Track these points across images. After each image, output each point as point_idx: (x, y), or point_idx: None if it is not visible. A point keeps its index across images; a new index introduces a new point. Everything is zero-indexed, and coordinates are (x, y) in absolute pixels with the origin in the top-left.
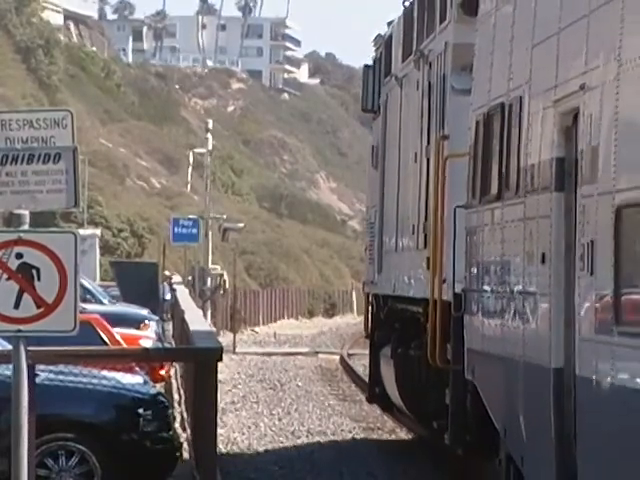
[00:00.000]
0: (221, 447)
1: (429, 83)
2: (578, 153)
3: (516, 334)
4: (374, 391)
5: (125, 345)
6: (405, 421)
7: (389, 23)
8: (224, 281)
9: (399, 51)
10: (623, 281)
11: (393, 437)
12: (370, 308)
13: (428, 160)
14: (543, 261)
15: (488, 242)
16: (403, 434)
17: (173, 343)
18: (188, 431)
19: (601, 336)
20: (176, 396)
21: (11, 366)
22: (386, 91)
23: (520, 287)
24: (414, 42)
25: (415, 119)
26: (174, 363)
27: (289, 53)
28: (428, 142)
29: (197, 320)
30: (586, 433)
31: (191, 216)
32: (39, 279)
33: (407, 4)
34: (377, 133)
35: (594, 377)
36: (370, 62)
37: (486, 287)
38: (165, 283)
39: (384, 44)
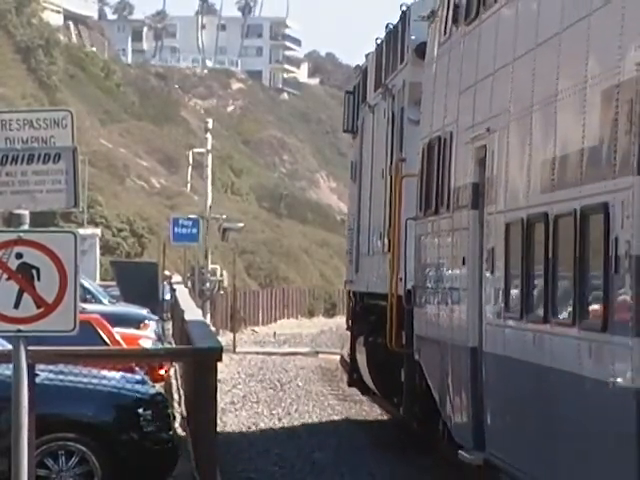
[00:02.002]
0: (221, 447)
1: (392, 113)
2: (485, 180)
3: (447, 321)
4: (353, 376)
5: (125, 345)
6: (377, 400)
7: (367, 55)
8: (220, 281)
9: (372, 82)
10: (510, 278)
11: (393, 437)
12: (350, 304)
13: (391, 177)
14: (463, 263)
15: (429, 248)
16: (403, 434)
17: (173, 343)
18: (188, 431)
19: (497, 321)
20: (176, 396)
21: (11, 366)
22: (362, 115)
23: (449, 284)
24: (382, 76)
25: (382, 142)
26: (174, 363)
27: (289, 53)
28: (391, 162)
29: (196, 319)
30: (491, 391)
31: (191, 216)
32: (39, 279)
33: (379, 41)
34: (355, 151)
35: (494, 352)
36: (359, 80)
37: (428, 284)
38: (165, 283)
39: (362, 74)
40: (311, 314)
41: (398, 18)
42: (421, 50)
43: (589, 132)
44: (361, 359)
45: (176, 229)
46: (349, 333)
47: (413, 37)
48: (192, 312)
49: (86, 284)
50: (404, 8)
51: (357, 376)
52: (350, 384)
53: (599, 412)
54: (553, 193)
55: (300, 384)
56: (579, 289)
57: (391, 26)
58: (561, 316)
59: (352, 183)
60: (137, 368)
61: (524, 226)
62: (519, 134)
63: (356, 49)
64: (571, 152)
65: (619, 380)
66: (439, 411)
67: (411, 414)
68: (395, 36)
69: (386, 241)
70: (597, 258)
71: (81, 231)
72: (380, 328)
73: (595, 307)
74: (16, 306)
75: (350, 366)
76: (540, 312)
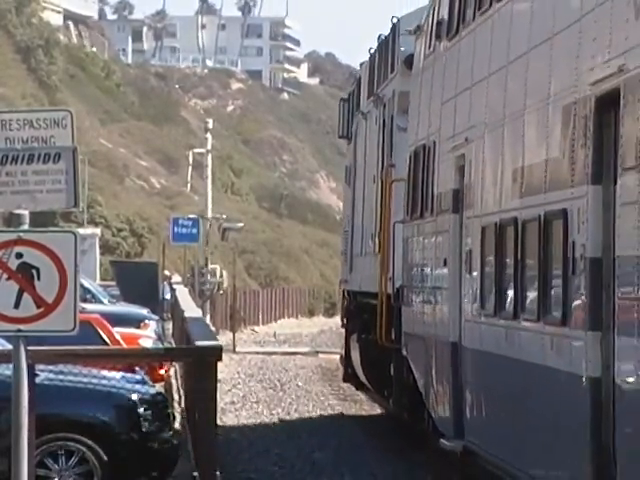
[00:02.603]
0: (221, 447)
1: (383, 120)
2: (464, 186)
3: (430, 318)
4: (348, 372)
5: (125, 345)
6: (370, 395)
7: (361, 64)
8: (220, 283)
9: (365, 90)
10: (485, 278)
11: (394, 437)
12: (344, 303)
13: (382, 182)
14: (445, 264)
15: (415, 249)
16: (403, 434)
17: (173, 343)
18: (188, 431)
19: (474, 317)
20: (176, 396)
21: (11, 366)
22: (356, 122)
23: (432, 283)
24: (374, 85)
25: (374, 148)
26: (174, 363)
27: (289, 53)
28: (382, 168)
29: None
30: (469, 383)
31: (191, 216)
32: (39, 279)
33: (372, 51)
34: (350, 156)
35: (472, 347)
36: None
37: (414, 283)
38: (165, 283)
39: (356, 82)
40: (311, 314)
41: (389, 30)
42: (409, 61)
43: (551, 145)
44: (354, 355)
45: (176, 229)
46: (344, 331)
47: (402, 49)
48: (192, 312)
49: (86, 284)
50: (394, 20)
51: (351, 372)
52: (345, 379)
53: (560, 399)
54: (522, 200)
55: (300, 384)
56: (543, 288)
57: (383, 37)
58: (528, 312)
59: (347, 187)
60: (137, 368)
61: (497, 230)
62: (493, 145)
63: (356, 49)
64: (536, 162)
65: (576, 369)
66: (425, 403)
67: (400, 406)
68: (386, 47)
69: (377, 242)
70: (558, 260)
71: (81, 231)
72: (372, 325)
73: (556, 304)
74: (16, 306)
75: (344, 362)
76: (510, 309)
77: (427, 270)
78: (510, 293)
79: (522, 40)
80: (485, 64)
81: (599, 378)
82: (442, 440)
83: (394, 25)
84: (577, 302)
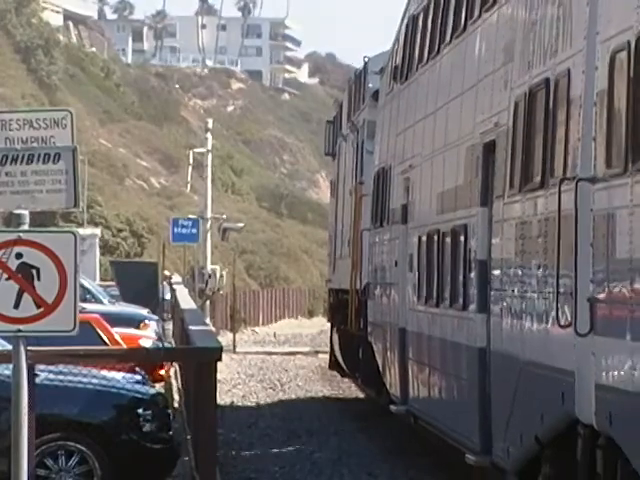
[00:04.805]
0: (221, 447)
1: (357, 144)
2: (409, 203)
3: (387, 309)
4: (332, 360)
5: (125, 345)
6: (354, 382)
7: (343, 91)
8: (220, 286)
9: (345, 116)
10: (420, 276)
11: (394, 437)
12: (329, 299)
13: (354, 196)
14: (396, 265)
15: (377, 253)
16: (403, 433)
17: (173, 343)
18: (188, 431)
19: (414, 306)
20: (176, 396)
21: (11, 366)
22: (339, 142)
23: (389, 281)
24: (351, 112)
25: (350, 167)
26: (174, 363)
27: (289, 53)
28: (355, 184)
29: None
30: (411, 359)
31: (191, 216)
32: (39, 279)
33: (350, 82)
34: (334, 172)
35: (413, 330)
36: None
37: (376, 281)
38: (165, 283)
39: (340, 107)
40: (311, 314)
41: (362, 67)
42: (376, 96)
43: (459, 175)
44: (336, 345)
45: (176, 229)
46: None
47: (370, 85)
48: (192, 311)
49: (86, 284)
50: (366, 59)
51: (334, 360)
52: (330, 367)
53: (463, 365)
54: (442, 215)
55: (300, 384)
56: (452, 282)
57: (358, 72)
58: (443, 301)
59: (332, 198)
60: (137, 368)
61: (427, 238)
62: (426, 172)
63: (356, 49)
64: (450, 188)
65: (471, 342)
66: (383, 378)
67: (367, 385)
68: (359, 81)
69: (351, 247)
70: (461, 262)
71: (81, 231)
72: (347, 317)
73: (459, 294)
74: (16, 306)
75: (330, 352)
76: (434, 299)
77: (385, 270)
78: (434, 287)
79: (445, 93)
80: (422, 108)
81: (484, 348)
82: (391, 406)
83: (365, 64)
84: (471, 292)
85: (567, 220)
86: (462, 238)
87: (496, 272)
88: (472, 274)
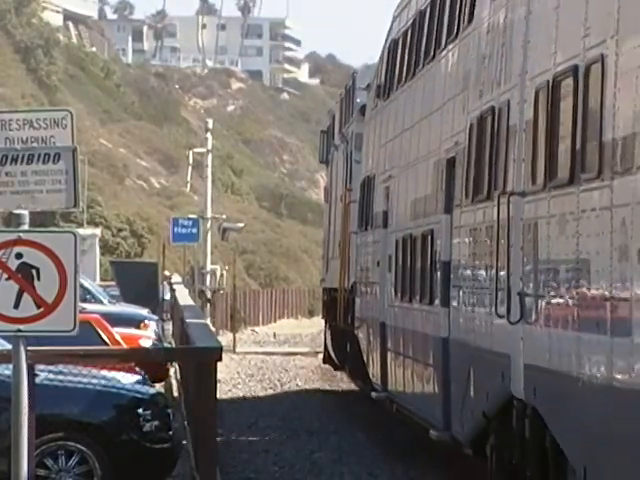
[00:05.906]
0: (221, 447)
1: (346, 154)
2: (389, 209)
3: (370, 306)
4: (325, 355)
5: (125, 345)
6: (347, 375)
7: (336, 102)
8: (219, 287)
9: (337, 126)
10: (397, 275)
11: (394, 436)
12: (324, 298)
13: (343, 201)
14: (378, 265)
15: (363, 254)
16: (403, 433)
17: (173, 343)
18: (188, 431)
19: (392, 303)
20: (176, 396)
21: (11, 366)
22: (332, 151)
23: (371, 279)
24: (342, 124)
25: (341, 174)
26: (174, 363)
27: (289, 53)
28: (345, 190)
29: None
30: (390, 350)
31: (191, 216)
32: (39, 279)
33: (341, 95)
34: (328, 179)
35: (391, 324)
36: (349, 97)
37: (362, 280)
38: (165, 283)
39: (332, 118)
40: (311, 314)
41: (351, 82)
42: (363, 110)
43: (428, 186)
44: (328, 339)
45: (176, 229)
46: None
47: (358, 100)
48: (192, 311)
49: (86, 284)
50: (355, 75)
51: (327, 354)
52: (324, 361)
53: (430, 353)
54: (414, 221)
55: (300, 384)
56: (421, 280)
57: (348, 86)
58: (415, 297)
59: (325, 203)
60: (137, 368)
61: (402, 241)
62: (402, 182)
63: (356, 49)
64: (421, 197)
65: (436, 333)
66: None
67: (354, 376)
68: (349, 95)
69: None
70: (429, 263)
71: (81, 231)
72: (337, 314)
73: (427, 291)
74: (16, 306)
75: (324, 347)
76: (407, 295)
77: (369, 270)
78: (408, 285)
79: (418, 112)
80: (401, 124)
81: (446, 337)
82: (373, 393)
83: (354, 78)
84: (436, 289)
85: (504, 227)
86: (430, 241)
87: (455, 271)
88: (438, 273)
